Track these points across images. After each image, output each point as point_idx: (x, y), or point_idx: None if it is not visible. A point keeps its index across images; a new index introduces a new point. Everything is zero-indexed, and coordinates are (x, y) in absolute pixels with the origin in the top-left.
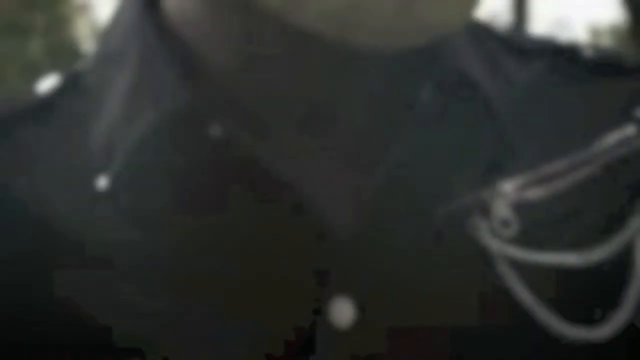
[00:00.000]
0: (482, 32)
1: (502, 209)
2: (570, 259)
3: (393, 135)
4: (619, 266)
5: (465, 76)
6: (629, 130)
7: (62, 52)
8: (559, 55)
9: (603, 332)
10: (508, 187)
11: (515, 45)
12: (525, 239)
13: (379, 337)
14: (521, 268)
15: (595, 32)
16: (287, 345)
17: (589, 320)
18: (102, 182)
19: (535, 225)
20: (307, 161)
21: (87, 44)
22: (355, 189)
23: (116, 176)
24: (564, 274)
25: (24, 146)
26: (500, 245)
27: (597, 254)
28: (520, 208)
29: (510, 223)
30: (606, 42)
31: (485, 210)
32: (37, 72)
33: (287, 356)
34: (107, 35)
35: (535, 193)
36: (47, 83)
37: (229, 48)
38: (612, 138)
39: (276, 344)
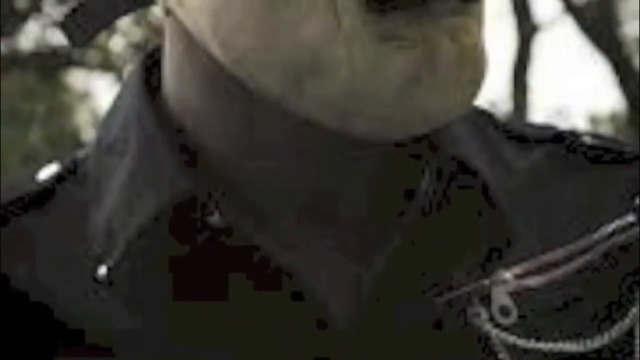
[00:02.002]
0: (482, 120)
1: (501, 297)
2: (570, 347)
3: (393, 223)
4: (619, 352)
5: (464, 164)
6: (629, 218)
7: (63, 141)
8: (559, 143)
9: None
10: (507, 275)
11: (515, 132)
12: (524, 327)
13: None
14: (521, 356)
15: (594, 120)
16: None
17: None
18: (102, 270)
19: (535, 314)
20: (306, 249)
21: (88, 132)
22: (355, 277)
23: (116, 264)
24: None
25: (24, 234)
26: (500, 333)
27: (597, 342)
28: (520, 296)
29: (510, 311)
30: (606, 129)
31: (484, 298)
32: (38, 160)
33: None
34: (107, 123)
35: (534, 281)
36: (48, 171)
37: (229, 136)
38: (612, 226)
39: None
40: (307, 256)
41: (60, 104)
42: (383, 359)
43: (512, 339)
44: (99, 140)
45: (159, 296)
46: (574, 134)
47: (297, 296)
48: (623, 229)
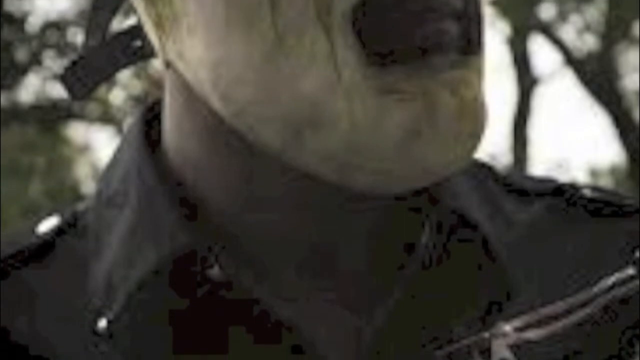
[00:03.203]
0: (482, 173)
1: (501, 349)
2: None
3: (393, 276)
4: None
5: (464, 217)
6: (629, 271)
7: (63, 194)
8: (559, 196)
9: None
10: (508, 328)
11: (515, 185)
12: None
13: None
14: None
15: (594, 173)
16: None
17: None
18: (103, 323)
19: None
20: (306, 302)
21: (88, 185)
22: (355, 330)
23: (116, 317)
24: None
25: (24, 287)
26: None
27: None
28: (520, 349)
29: None
30: (606, 182)
31: (485, 351)
32: (38, 213)
33: None
34: (107, 176)
35: (535, 334)
36: (48, 224)
37: (229, 189)
38: (612, 279)
39: None
40: (307, 309)
41: (60, 157)
42: None
43: None
44: (99, 193)
45: (159, 349)
46: (574, 187)
47: (297, 350)
48: (623, 282)
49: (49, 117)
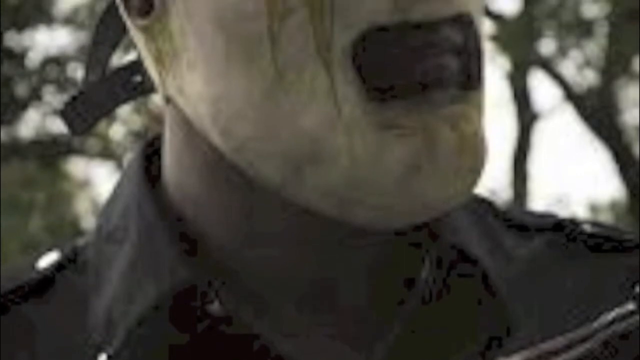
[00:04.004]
0: (482, 208)
1: None
2: None
3: (393, 311)
4: None
5: (464, 252)
6: (629, 306)
7: (63, 229)
8: (559, 231)
9: None
10: None
11: (515, 221)
12: None
13: None
14: None
15: (594, 208)
16: None
17: None
18: (103, 359)
19: None
20: (307, 337)
21: (88, 220)
22: None
23: (116, 353)
24: None
25: (24, 323)
26: None
27: None
28: None
29: None
30: (606, 217)
31: None
32: (38, 248)
33: None
34: (107, 211)
35: None
36: (48, 259)
37: (229, 224)
38: (612, 314)
39: None
40: (307, 345)
41: (60, 192)
42: None
43: None
44: (98, 228)
45: None
46: (574, 222)
47: None
48: (623, 317)
49: (49, 153)
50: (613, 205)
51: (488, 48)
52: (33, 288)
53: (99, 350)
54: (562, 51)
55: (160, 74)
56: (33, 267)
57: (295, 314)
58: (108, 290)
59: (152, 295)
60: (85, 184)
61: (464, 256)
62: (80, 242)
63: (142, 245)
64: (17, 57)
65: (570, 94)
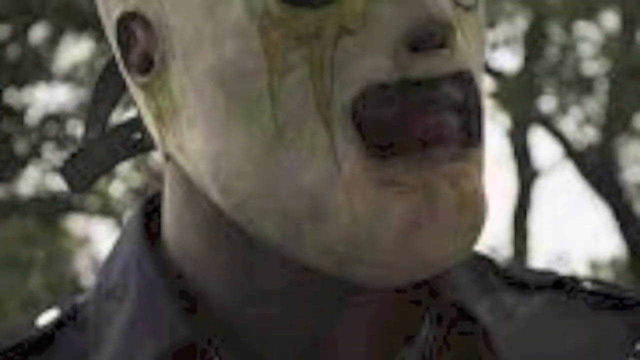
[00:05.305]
0: (482, 265)
1: None
2: None
3: None
4: None
5: (465, 310)
6: None
7: (63, 286)
8: (559, 289)
9: None
10: None
11: (515, 278)
12: None
13: None
14: None
15: (594, 265)
16: None
17: None
18: None
19: None
20: None
21: (88, 277)
22: None
23: None
24: None
25: None
26: None
27: None
28: None
29: None
30: (606, 275)
31: None
32: (38, 306)
33: None
34: (106, 269)
35: None
36: (47, 316)
37: (229, 282)
38: None
39: None
40: None
41: (59, 250)
42: None
43: None
44: (98, 285)
45: None
46: (574, 280)
47: None
48: None
49: (49, 210)
50: (613, 263)
51: (488, 105)
52: (33, 345)
53: None
54: (563, 108)
55: (160, 131)
56: (33, 324)
57: None
58: (108, 347)
59: (152, 353)
60: (84, 241)
61: (464, 314)
62: (80, 299)
63: (142, 302)
64: (17, 114)
65: (571, 151)
